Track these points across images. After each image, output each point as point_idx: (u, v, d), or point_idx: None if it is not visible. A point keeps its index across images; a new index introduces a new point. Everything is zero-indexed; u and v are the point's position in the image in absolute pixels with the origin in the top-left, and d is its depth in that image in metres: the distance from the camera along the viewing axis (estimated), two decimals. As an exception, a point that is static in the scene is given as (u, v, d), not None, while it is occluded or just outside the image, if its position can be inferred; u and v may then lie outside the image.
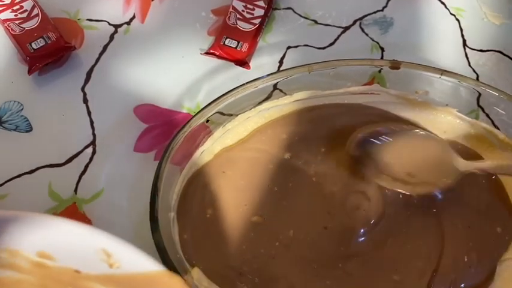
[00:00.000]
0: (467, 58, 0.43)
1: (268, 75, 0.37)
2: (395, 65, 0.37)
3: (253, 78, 0.37)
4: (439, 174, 0.34)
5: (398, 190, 0.34)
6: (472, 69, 0.42)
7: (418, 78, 0.38)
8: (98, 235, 0.24)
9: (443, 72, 0.37)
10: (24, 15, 0.40)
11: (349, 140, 0.35)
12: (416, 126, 0.37)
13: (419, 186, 0.34)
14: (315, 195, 0.34)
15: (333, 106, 0.37)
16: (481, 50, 0.43)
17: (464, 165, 0.34)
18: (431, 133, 0.36)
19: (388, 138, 0.35)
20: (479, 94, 0.37)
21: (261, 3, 0.42)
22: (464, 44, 0.43)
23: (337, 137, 0.36)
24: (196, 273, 0.32)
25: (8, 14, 0.40)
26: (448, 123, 0.38)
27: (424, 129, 0.37)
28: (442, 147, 0.35)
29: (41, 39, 0.39)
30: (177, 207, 0.34)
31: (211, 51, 0.41)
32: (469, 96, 0.38)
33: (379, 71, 0.38)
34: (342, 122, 0.37)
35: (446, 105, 0.38)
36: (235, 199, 0.34)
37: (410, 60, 0.38)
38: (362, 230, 0.33)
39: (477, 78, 0.42)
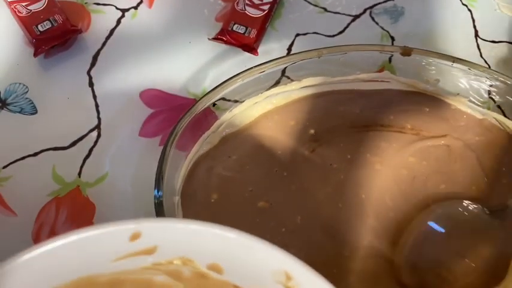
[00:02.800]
0: (479, 49, 0.42)
1: (276, 59, 0.36)
2: (406, 51, 0.36)
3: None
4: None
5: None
6: (484, 60, 0.42)
7: (428, 68, 0.37)
8: (285, 256, 0.23)
9: (454, 59, 0.36)
10: (31, -3, 0.40)
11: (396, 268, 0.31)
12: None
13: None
14: (324, 181, 0.34)
15: (343, 92, 0.37)
16: (493, 41, 0.43)
17: None
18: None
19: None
20: (491, 83, 0.36)
21: (271, -10, 0.42)
22: (476, 35, 0.43)
23: (346, 123, 0.36)
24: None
25: (14, -4, 0.40)
26: (459, 112, 0.37)
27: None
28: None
29: (47, 21, 0.39)
30: (182, 191, 0.33)
31: (218, 36, 0.40)
32: (481, 85, 0.37)
33: (389, 60, 0.38)
34: (352, 108, 0.36)
35: (458, 94, 0.37)
36: (241, 184, 0.34)
37: (420, 50, 0.37)
38: None
39: (489, 69, 0.41)
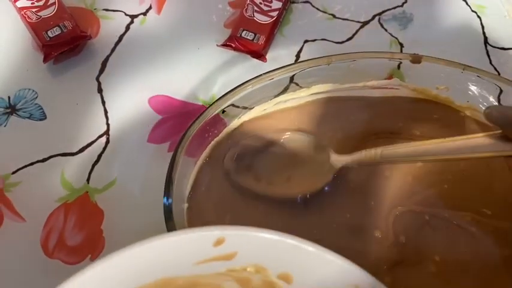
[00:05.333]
0: (488, 56, 0.42)
1: (287, 66, 0.36)
2: (416, 59, 0.36)
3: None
4: (316, 172, 0.34)
5: (280, 193, 0.34)
6: (493, 67, 0.41)
7: (438, 75, 0.37)
8: (360, 272, 0.24)
9: (465, 67, 0.36)
10: (41, 3, 0.40)
11: (225, 156, 0.35)
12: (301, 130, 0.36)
13: (298, 186, 0.34)
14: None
15: (352, 99, 0.37)
16: (502, 48, 0.42)
17: (337, 160, 0.34)
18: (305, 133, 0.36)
19: (260, 149, 0.35)
20: (501, 91, 0.36)
21: (279, -4, 0.42)
22: (486, 42, 0.43)
23: (356, 131, 0.36)
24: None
25: (24, 2, 0.40)
26: (468, 120, 0.37)
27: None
28: (314, 146, 0.35)
29: (57, 27, 0.39)
30: (191, 197, 0.33)
31: (227, 43, 0.40)
32: (490, 93, 0.37)
33: (398, 67, 0.38)
34: (361, 116, 0.36)
35: (467, 101, 0.37)
36: (243, 192, 0.34)
37: (430, 57, 0.37)
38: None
39: (498, 76, 0.41)
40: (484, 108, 0.36)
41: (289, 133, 0.36)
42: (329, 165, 0.34)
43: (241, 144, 0.36)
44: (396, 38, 0.42)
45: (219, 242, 0.23)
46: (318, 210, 0.34)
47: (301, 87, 0.37)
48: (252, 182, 0.34)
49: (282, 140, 0.36)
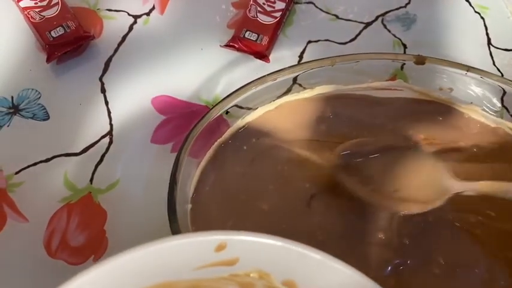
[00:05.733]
0: (491, 57, 0.42)
1: (290, 67, 0.36)
2: (420, 60, 0.36)
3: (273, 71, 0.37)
4: (427, 192, 0.33)
5: (383, 205, 0.33)
6: (496, 69, 0.41)
7: (441, 76, 0.37)
8: (366, 282, 0.24)
9: (469, 68, 0.36)
10: (44, 3, 0.40)
11: (337, 148, 0.34)
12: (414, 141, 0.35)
13: (404, 203, 0.33)
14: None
15: (356, 98, 0.37)
16: (506, 49, 0.42)
17: (456, 186, 0.32)
18: (423, 150, 0.35)
19: (375, 154, 0.34)
20: (504, 92, 0.36)
21: (282, -3, 0.42)
22: (489, 43, 0.42)
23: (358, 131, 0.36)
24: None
25: (28, 2, 0.40)
26: (472, 121, 0.37)
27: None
28: (432, 166, 0.34)
29: (60, 27, 0.39)
30: (194, 198, 0.33)
31: (230, 43, 0.40)
32: (494, 94, 0.37)
33: (401, 68, 0.38)
34: (364, 116, 0.36)
35: (471, 103, 0.37)
36: (247, 193, 0.34)
37: (433, 58, 0.37)
38: None
39: (502, 78, 0.41)
40: (487, 109, 0.37)
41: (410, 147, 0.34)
42: (442, 188, 0.33)
43: (356, 142, 0.34)
44: (399, 39, 0.42)
45: (220, 248, 0.23)
46: (322, 211, 0.34)
47: (304, 88, 0.37)
48: (357, 185, 0.33)
49: (397, 150, 0.34)
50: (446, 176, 0.33)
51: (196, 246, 0.23)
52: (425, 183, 0.33)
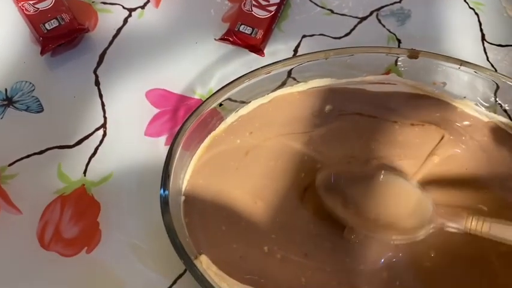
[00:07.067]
0: (485, 53, 0.42)
1: (284, 60, 0.36)
2: (413, 54, 0.36)
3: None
4: (409, 222, 0.32)
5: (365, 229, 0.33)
6: (490, 64, 0.42)
7: (435, 71, 0.37)
8: None
9: (462, 62, 0.36)
10: (39, -5, 0.40)
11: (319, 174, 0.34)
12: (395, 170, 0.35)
13: (384, 230, 0.32)
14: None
15: (351, 91, 0.37)
16: (499, 45, 0.42)
17: (438, 220, 0.32)
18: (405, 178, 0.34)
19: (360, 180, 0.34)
20: (498, 87, 0.36)
21: (277, -9, 0.42)
22: (483, 39, 0.43)
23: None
24: (204, 259, 0.31)
25: (22, -6, 0.40)
26: (465, 115, 0.37)
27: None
28: (417, 197, 0.33)
29: (54, 20, 0.39)
30: (188, 191, 0.33)
31: (225, 37, 0.40)
32: (487, 89, 0.37)
33: (395, 63, 0.38)
34: (358, 108, 0.36)
35: (464, 97, 0.37)
36: (240, 186, 0.34)
37: (427, 53, 0.37)
38: None
39: (495, 73, 0.41)
40: (480, 104, 0.37)
41: (386, 173, 0.33)
42: (428, 219, 0.32)
43: (338, 169, 0.34)
44: (394, 34, 0.42)
45: None
46: (315, 204, 0.34)
47: (298, 81, 0.37)
48: (339, 206, 0.33)
49: (382, 177, 0.33)
50: (429, 209, 0.32)
51: None
52: (410, 213, 0.33)
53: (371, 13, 0.43)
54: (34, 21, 0.39)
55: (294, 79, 0.37)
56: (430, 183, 0.35)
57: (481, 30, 0.43)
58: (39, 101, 0.38)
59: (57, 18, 0.39)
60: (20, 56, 0.40)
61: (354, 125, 0.36)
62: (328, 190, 0.33)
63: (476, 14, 0.44)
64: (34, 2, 0.40)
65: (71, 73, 0.39)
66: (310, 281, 0.32)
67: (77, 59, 0.40)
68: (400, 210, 0.33)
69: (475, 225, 0.31)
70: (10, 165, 0.36)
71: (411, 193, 0.33)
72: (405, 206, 0.33)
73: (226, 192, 0.34)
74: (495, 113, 0.37)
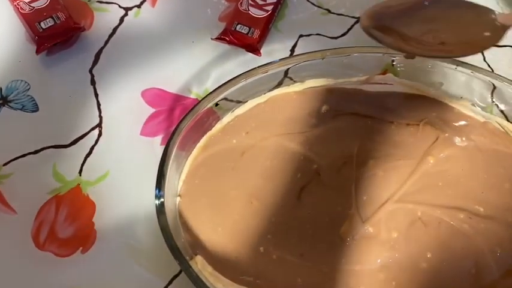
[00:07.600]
0: (482, 53, 0.42)
1: (280, 60, 0.36)
2: (410, 55, 0.36)
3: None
4: (476, 33, 0.32)
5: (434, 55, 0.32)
6: (487, 64, 0.41)
7: (432, 71, 0.37)
8: None
9: (458, 63, 0.36)
10: (34, -6, 0.40)
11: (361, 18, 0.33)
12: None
13: (457, 47, 0.32)
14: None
15: (348, 91, 0.37)
16: (496, 45, 0.42)
17: (504, 18, 0.31)
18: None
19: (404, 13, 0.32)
20: (494, 87, 0.36)
21: (274, -10, 0.41)
22: (480, 39, 0.43)
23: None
24: (200, 260, 0.31)
25: (17, -7, 0.40)
26: (462, 115, 0.37)
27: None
28: (473, 8, 0.32)
29: (50, 18, 0.39)
30: (183, 191, 0.33)
31: (222, 36, 0.40)
32: (484, 89, 0.37)
33: (392, 64, 0.38)
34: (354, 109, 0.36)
35: (461, 97, 0.37)
36: (236, 187, 0.34)
37: (424, 54, 0.37)
38: None
39: (492, 73, 0.41)
40: (477, 104, 0.37)
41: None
42: (494, 25, 0.32)
43: (380, 5, 0.33)
44: (391, 34, 0.42)
45: None
46: (311, 204, 0.34)
47: (295, 81, 0.37)
48: (400, 42, 0.32)
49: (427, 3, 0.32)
50: (491, 12, 0.32)
51: None
52: (472, 26, 0.32)
53: (368, 13, 0.43)
54: (29, 20, 0.39)
55: (291, 79, 0.37)
56: (426, 183, 0.34)
57: (478, 30, 0.43)
58: (34, 100, 0.38)
59: (52, 17, 0.39)
60: (16, 55, 0.40)
61: (351, 125, 0.36)
62: (380, 29, 0.32)
63: (473, 14, 0.44)
64: (29, 0, 0.40)
65: (67, 72, 0.39)
66: (306, 282, 0.32)
67: (73, 58, 0.40)
68: (461, 22, 0.32)
69: None
70: (5, 164, 0.36)
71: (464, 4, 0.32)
72: (466, 20, 0.32)
73: (222, 193, 0.34)
74: (492, 113, 0.37)
